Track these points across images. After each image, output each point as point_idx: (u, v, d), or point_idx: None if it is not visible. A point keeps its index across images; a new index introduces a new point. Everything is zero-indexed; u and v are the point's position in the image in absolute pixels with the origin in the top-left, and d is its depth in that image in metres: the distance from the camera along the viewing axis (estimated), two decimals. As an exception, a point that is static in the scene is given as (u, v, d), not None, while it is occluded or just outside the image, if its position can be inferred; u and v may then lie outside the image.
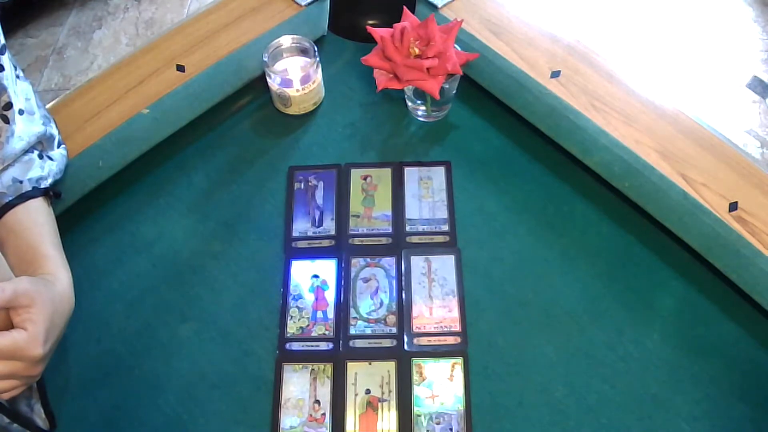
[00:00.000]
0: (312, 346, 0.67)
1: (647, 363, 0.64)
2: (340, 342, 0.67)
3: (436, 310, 0.68)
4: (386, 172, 0.79)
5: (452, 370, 0.65)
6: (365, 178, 0.79)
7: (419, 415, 0.62)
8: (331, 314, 0.69)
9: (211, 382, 0.66)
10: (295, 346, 0.67)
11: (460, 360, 0.65)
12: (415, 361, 0.65)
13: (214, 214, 0.77)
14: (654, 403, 0.62)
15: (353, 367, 0.65)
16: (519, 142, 0.81)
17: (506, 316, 0.68)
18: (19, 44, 2.06)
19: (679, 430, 0.61)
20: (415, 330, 0.67)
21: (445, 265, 0.71)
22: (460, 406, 0.63)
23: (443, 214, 0.75)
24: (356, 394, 0.64)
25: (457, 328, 0.67)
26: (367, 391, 0.64)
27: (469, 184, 0.78)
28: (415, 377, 0.64)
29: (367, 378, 0.65)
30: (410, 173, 0.79)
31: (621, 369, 0.64)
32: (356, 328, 0.68)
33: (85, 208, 0.76)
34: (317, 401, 0.64)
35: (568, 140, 0.76)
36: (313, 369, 0.66)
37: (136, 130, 0.78)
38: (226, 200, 0.78)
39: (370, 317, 0.68)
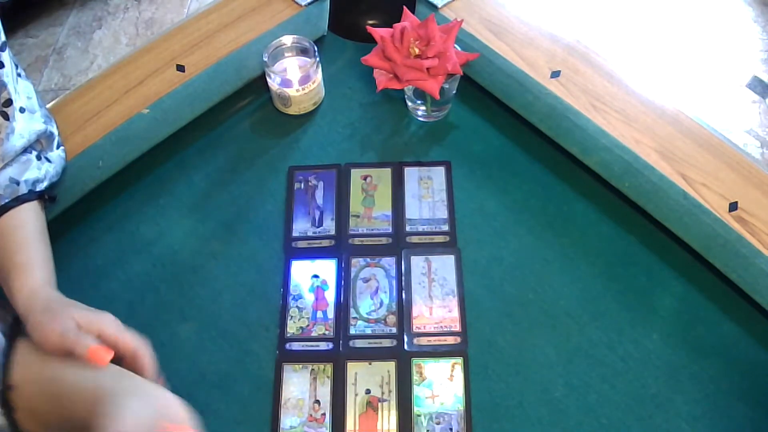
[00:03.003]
0: (312, 346, 0.67)
1: (647, 363, 0.64)
2: (340, 342, 0.67)
3: (436, 310, 0.68)
4: (386, 172, 0.79)
5: (452, 370, 0.65)
6: (365, 178, 0.79)
7: (419, 415, 0.62)
8: (331, 314, 0.69)
9: (211, 382, 0.66)
10: (295, 346, 0.67)
11: (460, 360, 0.65)
12: (415, 361, 0.65)
13: (214, 214, 0.77)
14: (654, 403, 0.62)
15: (353, 367, 0.65)
16: (519, 142, 0.81)
17: (506, 316, 0.68)
18: (19, 44, 2.06)
19: (679, 430, 0.61)
20: (415, 330, 0.67)
21: (445, 265, 0.71)
22: (460, 406, 0.63)
23: (443, 214, 0.75)
24: (356, 394, 0.64)
25: (457, 328, 0.67)
26: (367, 391, 0.64)
27: (469, 184, 0.78)
28: (415, 377, 0.64)
29: (367, 378, 0.65)
30: (410, 173, 0.79)
31: (621, 369, 0.64)
32: (356, 328, 0.68)
33: (85, 208, 0.76)
34: (317, 401, 0.64)
35: (568, 140, 0.76)
36: (313, 369, 0.66)
37: (136, 130, 0.78)
38: (226, 200, 0.78)
39: (370, 317, 0.68)
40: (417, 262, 0.72)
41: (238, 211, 0.77)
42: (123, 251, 0.74)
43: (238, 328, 0.69)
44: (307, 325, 0.68)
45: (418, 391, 0.64)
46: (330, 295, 0.70)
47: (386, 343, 0.67)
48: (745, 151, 0.72)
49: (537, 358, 0.65)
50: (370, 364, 0.65)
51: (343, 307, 0.69)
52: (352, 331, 0.68)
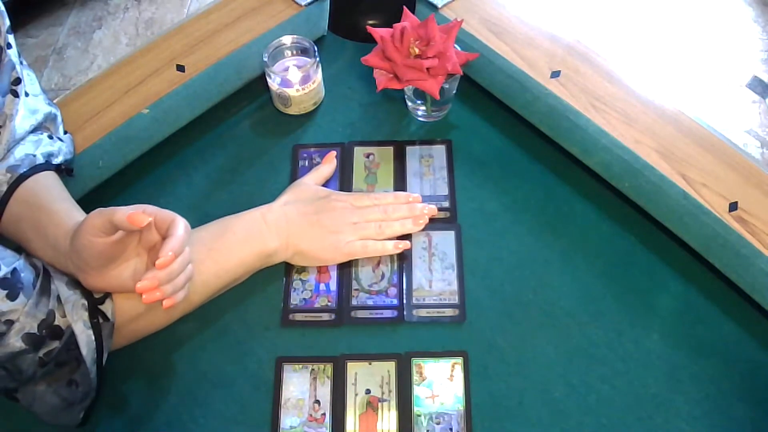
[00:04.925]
0: (315, 316, 0.68)
1: (647, 363, 0.64)
2: (343, 312, 0.68)
3: (436, 283, 0.70)
4: (388, 151, 0.81)
5: (452, 370, 0.65)
6: (368, 156, 0.80)
7: (419, 415, 0.62)
8: (333, 286, 0.70)
9: (211, 382, 0.66)
10: (299, 316, 0.68)
11: (460, 360, 0.65)
12: (415, 361, 0.65)
13: (214, 214, 0.77)
14: (654, 403, 0.62)
15: (353, 367, 0.65)
16: (519, 142, 0.81)
17: (506, 316, 0.68)
18: (19, 44, 2.06)
19: (679, 430, 0.61)
20: (415, 302, 0.68)
21: (445, 240, 0.73)
22: (460, 406, 0.63)
23: (444, 191, 0.77)
24: (356, 394, 0.64)
25: (456, 300, 0.68)
26: (367, 391, 0.64)
27: (469, 184, 0.78)
28: (415, 377, 0.64)
29: (367, 378, 0.65)
30: (412, 152, 0.81)
31: (621, 369, 0.64)
32: (358, 299, 0.69)
33: (85, 208, 0.75)
34: (317, 401, 0.64)
35: (568, 140, 0.76)
36: (313, 369, 0.66)
37: (136, 130, 0.78)
38: (226, 200, 0.78)
39: (372, 289, 0.69)
40: (418, 237, 0.73)
41: (238, 211, 0.77)
42: (123, 251, 0.74)
43: (238, 328, 0.69)
44: (310, 297, 0.69)
45: (418, 391, 0.64)
46: (332, 268, 0.71)
47: (387, 313, 0.68)
48: (745, 151, 0.72)
49: (537, 358, 0.65)
50: (370, 364, 0.66)
51: (345, 279, 0.71)
52: (354, 303, 0.69)
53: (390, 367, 0.65)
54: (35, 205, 0.62)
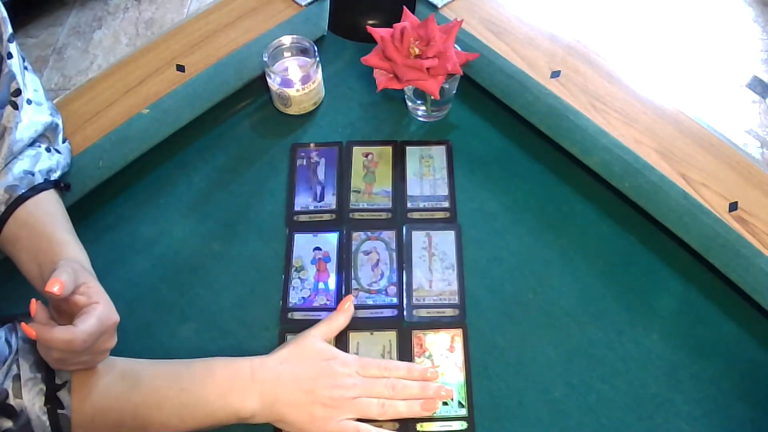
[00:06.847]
0: (314, 315, 0.68)
1: (647, 363, 0.64)
2: None
3: (436, 283, 0.70)
4: (387, 150, 0.81)
5: (452, 342, 0.66)
6: (366, 156, 0.80)
7: None
8: (332, 285, 0.70)
9: (211, 382, 0.66)
10: (297, 315, 0.68)
11: (459, 331, 0.66)
12: (415, 333, 0.66)
13: (214, 214, 0.77)
14: (654, 403, 0.62)
15: (355, 337, 0.66)
16: (519, 142, 0.81)
17: (506, 316, 0.68)
18: (19, 44, 2.06)
19: (679, 430, 0.61)
20: (415, 302, 0.68)
21: (445, 240, 0.73)
22: (461, 378, 0.63)
23: (444, 191, 0.77)
24: None
25: (456, 300, 0.68)
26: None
27: (469, 183, 0.78)
28: (416, 349, 0.65)
29: (369, 347, 0.66)
30: (411, 152, 0.81)
31: (621, 369, 0.64)
32: (358, 299, 0.69)
33: (85, 208, 0.76)
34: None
35: (568, 140, 0.76)
36: None
37: (136, 130, 0.78)
38: (226, 200, 0.78)
39: (372, 288, 0.70)
40: (418, 237, 0.73)
41: (238, 211, 0.77)
42: (123, 251, 0.74)
43: (238, 328, 0.69)
44: (309, 296, 0.69)
45: (419, 362, 0.65)
46: (331, 267, 0.72)
47: (387, 312, 0.68)
48: (745, 151, 0.72)
49: (537, 358, 0.65)
50: (371, 333, 0.67)
51: (344, 278, 0.71)
52: (354, 302, 0.69)
53: (391, 336, 0.66)
54: (35, 232, 0.61)
